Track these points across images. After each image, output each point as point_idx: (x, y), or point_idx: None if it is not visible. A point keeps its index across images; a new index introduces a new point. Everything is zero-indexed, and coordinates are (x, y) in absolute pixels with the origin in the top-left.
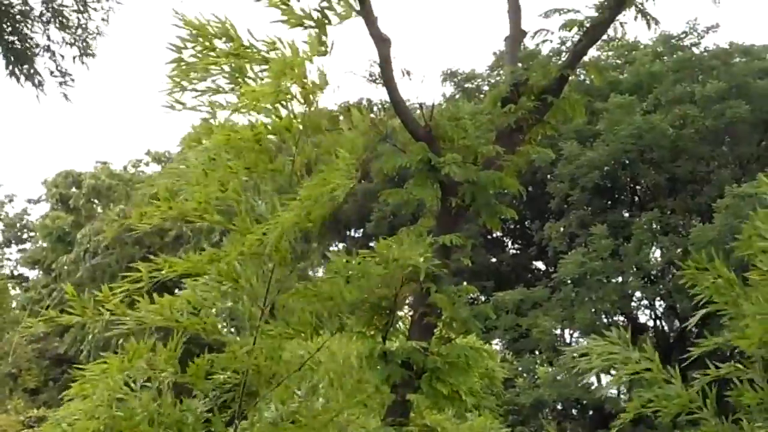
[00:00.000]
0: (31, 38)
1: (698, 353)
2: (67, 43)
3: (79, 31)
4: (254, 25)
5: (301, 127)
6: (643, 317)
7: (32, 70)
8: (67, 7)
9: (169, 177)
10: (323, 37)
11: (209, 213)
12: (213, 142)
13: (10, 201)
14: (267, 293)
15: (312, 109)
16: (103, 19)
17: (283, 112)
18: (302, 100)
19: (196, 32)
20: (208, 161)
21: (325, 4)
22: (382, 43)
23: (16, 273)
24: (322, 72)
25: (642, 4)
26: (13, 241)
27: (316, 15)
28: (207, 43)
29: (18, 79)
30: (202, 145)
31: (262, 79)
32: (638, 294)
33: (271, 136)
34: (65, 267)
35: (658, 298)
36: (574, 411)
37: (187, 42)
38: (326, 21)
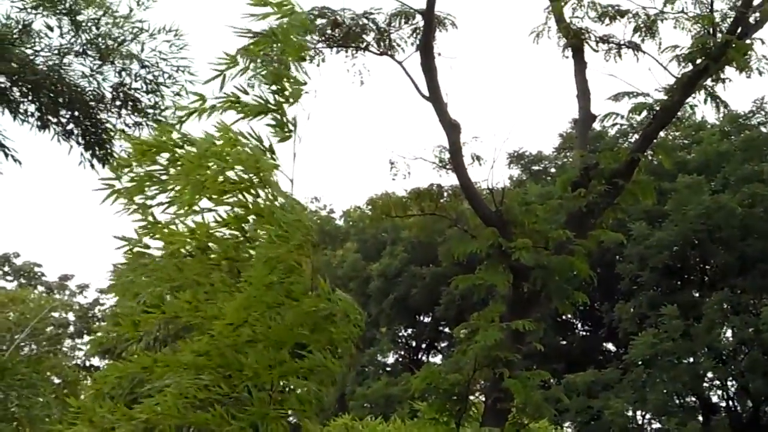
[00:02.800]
0: (106, 122)
1: None
2: (141, 125)
3: (153, 111)
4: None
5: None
6: (716, 398)
7: (110, 153)
8: (138, 89)
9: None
10: (284, 119)
11: (203, 308)
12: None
13: (82, 291)
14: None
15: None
16: (177, 94)
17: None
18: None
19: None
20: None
21: (275, 87)
22: (452, 129)
23: (87, 363)
24: (269, 157)
25: (712, 87)
26: (84, 332)
27: (273, 98)
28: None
29: (93, 166)
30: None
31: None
32: (710, 374)
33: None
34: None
35: (730, 379)
36: None
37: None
38: (286, 101)
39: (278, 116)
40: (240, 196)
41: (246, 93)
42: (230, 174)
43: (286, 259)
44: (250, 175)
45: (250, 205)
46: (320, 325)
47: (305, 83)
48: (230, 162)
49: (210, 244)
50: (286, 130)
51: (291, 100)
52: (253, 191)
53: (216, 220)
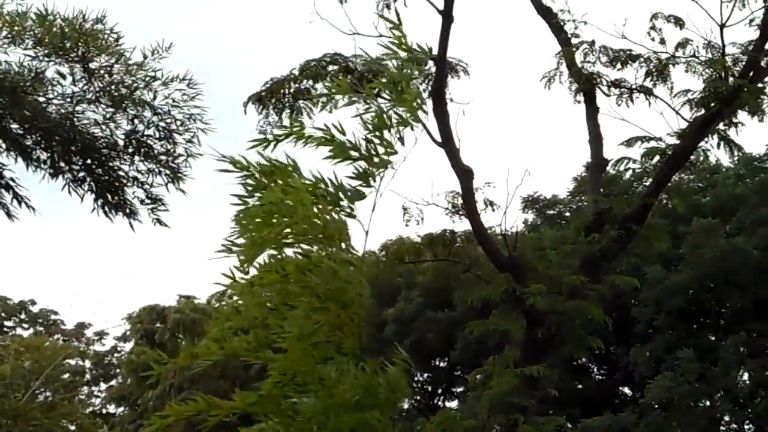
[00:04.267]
0: (119, 169)
1: None
2: (154, 172)
3: (166, 158)
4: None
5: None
6: None
7: (123, 200)
8: (150, 137)
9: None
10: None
11: (262, 351)
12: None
13: (100, 339)
14: None
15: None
16: (190, 141)
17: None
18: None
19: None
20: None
21: (373, 138)
22: (464, 175)
23: (103, 411)
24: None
25: (724, 131)
26: (101, 379)
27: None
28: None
29: (107, 214)
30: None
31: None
32: (727, 417)
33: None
34: (150, 403)
35: (747, 422)
36: None
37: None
38: (373, 153)
39: (365, 167)
40: (303, 246)
41: (342, 132)
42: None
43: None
44: (316, 232)
45: (311, 256)
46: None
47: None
48: (295, 219)
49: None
50: (369, 183)
51: (383, 155)
52: (315, 244)
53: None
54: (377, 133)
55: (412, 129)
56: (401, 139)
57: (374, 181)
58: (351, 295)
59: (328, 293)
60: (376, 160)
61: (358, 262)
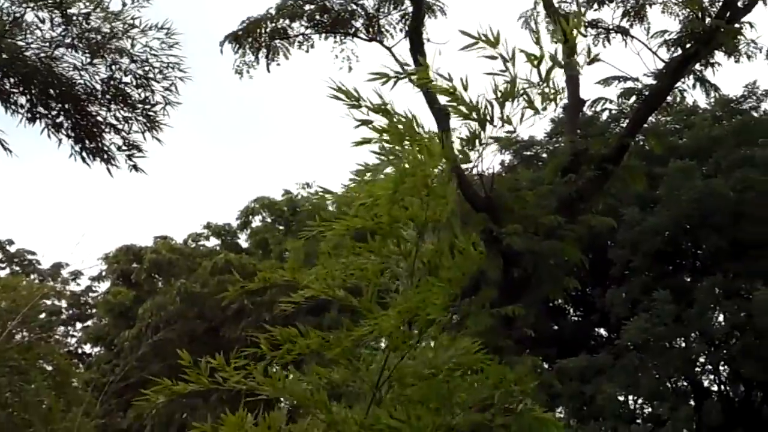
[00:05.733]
0: (96, 115)
1: None
2: (131, 119)
3: (143, 106)
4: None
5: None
6: (708, 382)
7: (100, 146)
8: (128, 84)
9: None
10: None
11: (332, 289)
12: (336, 228)
13: (75, 279)
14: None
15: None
16: (168, 89)
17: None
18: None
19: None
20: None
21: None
22: (441, 116)
23: (79, 350)
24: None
25: (701, 72)
26: (77, 319)
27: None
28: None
29: (84, 159)
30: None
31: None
32: (702, 359)
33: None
34: (127, 343)
35: (723, 363)
36: None
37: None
38: (488, 120)
39: (475, 128)
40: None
41: (465, 87)
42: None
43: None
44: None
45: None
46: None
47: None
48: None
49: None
50: (475, 146)
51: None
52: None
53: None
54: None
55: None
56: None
57: (480, 145)
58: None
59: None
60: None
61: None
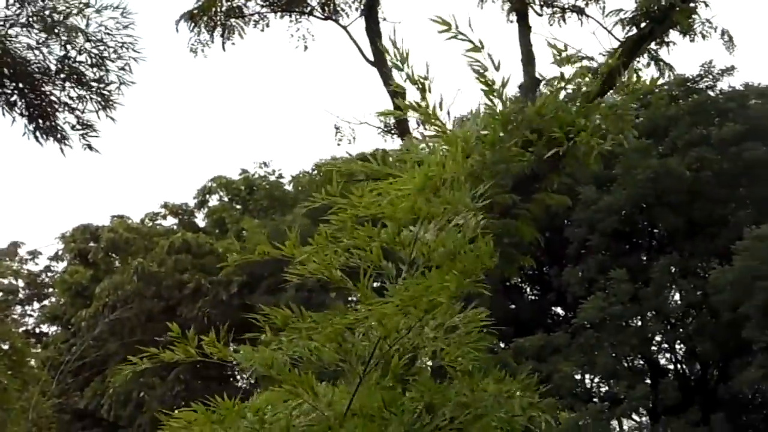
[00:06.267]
0: (50, 94)
1: None
2: (85, 98)
3: (98, 85)
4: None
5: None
6: (664, 361)
7: (54, 126)
8: (83, 63)
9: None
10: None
11: (329, 270)
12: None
13: (33, 258)
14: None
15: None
16: (122, 69)
17: None
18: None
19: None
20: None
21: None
22: (396, 94)
23: (36, 330)
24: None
25: (656, 51)
26: (34, 299)
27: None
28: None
29: (37, 138)
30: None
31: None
32: (658, 337)
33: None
34: (84, 322)
35: (679, 342)
36: None
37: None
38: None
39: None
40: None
41: None
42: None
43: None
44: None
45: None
46: None
47: None
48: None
49: None
50: None
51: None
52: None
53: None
54: None
55: None
56: None
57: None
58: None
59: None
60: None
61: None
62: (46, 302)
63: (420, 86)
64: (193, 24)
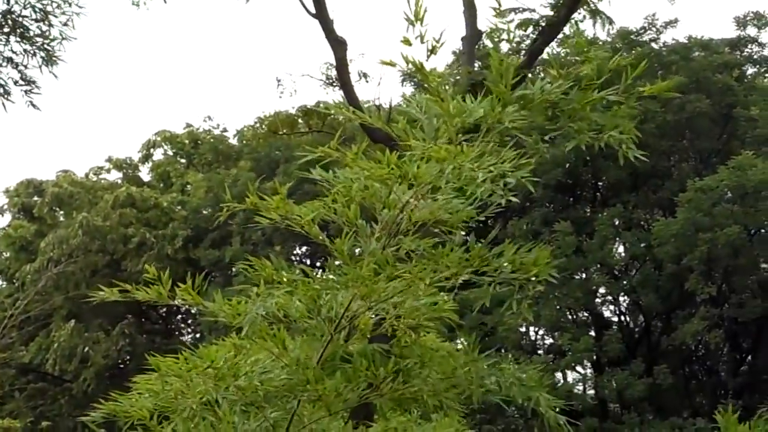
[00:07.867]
0: None
1: None
2: (29, 53)
3: (42, 40)
4: None
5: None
6: (608, 313)
7: None
8: (26, 17)
9: None
10: None
11: (310, 226)
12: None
13: None
14: None
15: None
16: (65, 24)
17: None
18: None
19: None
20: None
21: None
22: (337, 45)
23: None
24: None
25: (595, 4)
26: None
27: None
28: None
29: None
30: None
31: None
32: (602, 290)
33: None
34: (29, 276)
35: (622, 294)
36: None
37: None
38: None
39: None
40: None
41: None
42: None
43: None
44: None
45: None
46: None
47: None
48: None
49: None
50: None
51: None
52: None
53: None
54: None
55: None
56: None
57: None
58: None
59: None
60: None
61: None
62: None
63: (430, 48)
64: None
